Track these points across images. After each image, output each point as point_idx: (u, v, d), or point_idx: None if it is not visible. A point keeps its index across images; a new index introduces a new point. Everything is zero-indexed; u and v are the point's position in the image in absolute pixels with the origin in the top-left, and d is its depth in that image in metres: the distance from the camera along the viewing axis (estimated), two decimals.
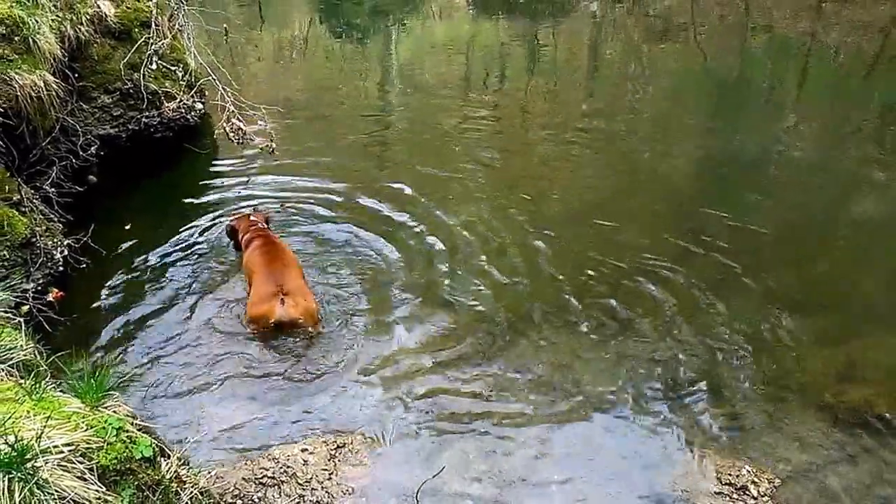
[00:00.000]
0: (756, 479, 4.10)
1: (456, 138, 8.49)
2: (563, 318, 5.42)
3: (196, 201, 7.03)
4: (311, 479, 4.04)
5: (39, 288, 5.18)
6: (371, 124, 9.09)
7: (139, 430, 2.98)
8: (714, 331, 5.27)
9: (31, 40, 5.68)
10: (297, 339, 5.09)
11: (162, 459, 2.97)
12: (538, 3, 15.16)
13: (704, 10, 14.80)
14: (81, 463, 2.51)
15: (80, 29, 6.45)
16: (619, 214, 6.75)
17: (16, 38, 5.60)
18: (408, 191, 7.16)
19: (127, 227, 6.46)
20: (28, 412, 2.65)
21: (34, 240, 5.26)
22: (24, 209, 5.40)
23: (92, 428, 2.69)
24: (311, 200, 6.97)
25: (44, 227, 5.53)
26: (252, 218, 5.93)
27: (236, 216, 6.12)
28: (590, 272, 5.93)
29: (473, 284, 5.81)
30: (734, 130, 8.63)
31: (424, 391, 4.73)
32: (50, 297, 5.10)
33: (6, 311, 3.88)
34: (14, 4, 5.69)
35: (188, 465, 3.38)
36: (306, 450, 4.23)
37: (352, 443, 4.31)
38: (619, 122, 9.10)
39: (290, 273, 5.28)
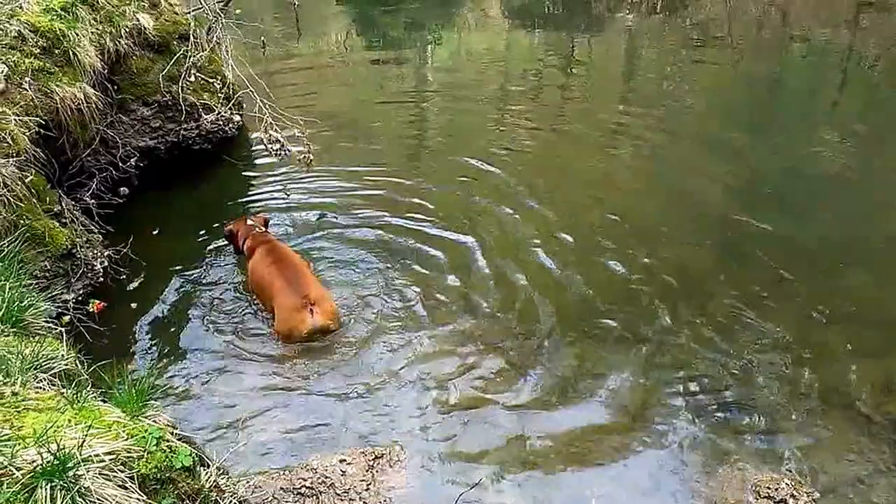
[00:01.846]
0: (795, 493, 3.99)
1: (491, 148, 8.44)
2: (598, 329, 5.34)
3: (234, 211, 7.03)
4: (349, 489, 4.00)
5: (80, 298, 5.23)
6: (407, 133, 9.11)
7: (179, 439, 2.96)
8: (752, 343, 5.16)
9: (71, 53, 5.75)
10: (335, 350, 5.07)
11: (201, 469, 2.95)
12: (573, 16, 15.11)
13: (741, 21, 14.68)
14: (122, 472, 2.50)
15: (119, 42, 6.53)
16: (655, 224, 6.67)
17: (56, 51, 5.68)
18: (443, 199, 7.15)
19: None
20: (70, 421, 2.65)
21: (75, 251, 5.30)
22: (64, 220, 5.45)
23: (132, 437, 2.68)
24: (347, 208, 6.97)
25: (84, 239, 5.59)
26: (250, 222, 5.91)
27: (234, 220, 6.09)
28: (625, 282, 5.85)
29: (509, 292, 5.75)
30: (772, 141, 8.49)
31: (461, 401, 4.68)
32: (91, 309, 5.14)
33: (48, 322, 3.90)
34: (55, 18, 5.77)
35: (227, 474, 3.36)
36: (344, 460, 4.20)
37: (389, 453, 4.27)
38: (654, 130, 9.01)
39: (308, 279, 5.29)
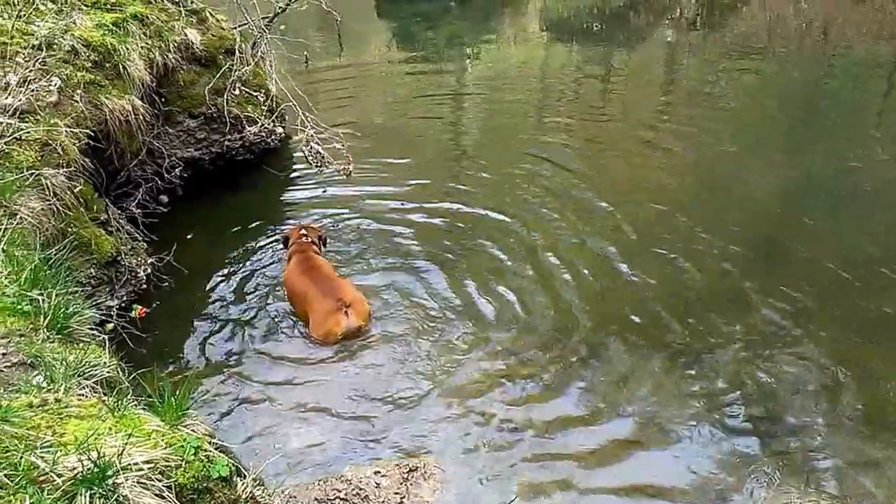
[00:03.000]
0: None
1: (530, 156, 8.45)
2: (638, 340, 5.29)
3: (275, 222, 7.14)
4: (383, 501, 4.01)
5: (123, 305, 5.32)
6: (446, 145, 9.17)
7: (216, 449, 2.99)
8: (796, 361, 5.05)
9: (121, 66, 5.90)
10: (371, 361, 5.11)
11: (238, 479, 2.97)
12: (612, 30, 15.09)
13: (782, 35, 14.52)
14: (160, 481, 2.52)
15: (167, 56, 6.68)
16: (696, 231, 6.62)
17: (107, 65, 5.83)
18: (482, 211, 7.17)
19: (189, 236, 6.64)
20: (110, 429, 2.68)
21: (119, 258, 5.41)
22: (110, 229, 5.57)
23: (171, 446, 2.70)
24: (386, 220, 7.03)
25: (129, 247, 5.70)
26: (302, 231, 6.02)
27: (293, 226, 6.26)
28: (666, 291, 5.80)
29: (547, 301, 5.74)
30: (817, 149, 8.38)
31: (497, 415, 4.65)
32: (133, 314, 5.22)
33: (92, 328, 3.97)
34: (107, 33, 5.91)
35: (263, 485, 3.39)
36: (379, 472, 4.21)
37: (424, 466, 4.27)
38: (695, 137, 8.96)
39: (341, 283, 5.52)
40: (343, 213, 7.24)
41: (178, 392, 3.09)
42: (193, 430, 2.97)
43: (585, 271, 6.10)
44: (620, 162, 8.20)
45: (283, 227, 6.70)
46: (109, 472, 2.41)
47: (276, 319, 5.62)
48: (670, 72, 12.60)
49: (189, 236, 6.67)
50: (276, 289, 5.98)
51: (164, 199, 6.94)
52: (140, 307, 5.31)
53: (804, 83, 11.55)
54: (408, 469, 4.24)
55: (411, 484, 4.15)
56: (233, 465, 2.96)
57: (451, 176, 8.09)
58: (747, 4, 17.21)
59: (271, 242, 6.67)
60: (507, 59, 13.63)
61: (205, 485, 2.70)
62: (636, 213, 7.01)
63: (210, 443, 2.98)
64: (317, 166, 7.17)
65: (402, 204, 7.26)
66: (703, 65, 12.79)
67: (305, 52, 9.58)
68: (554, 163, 8.23)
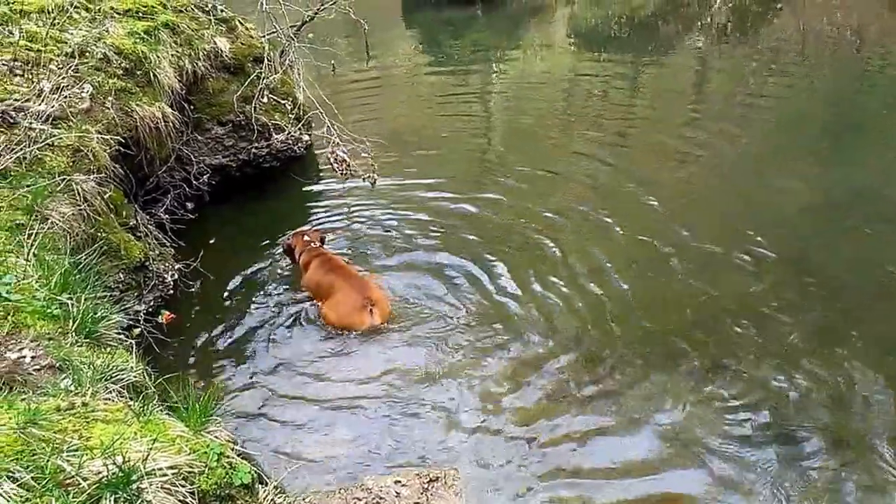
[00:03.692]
0: None
1: (558, 167, 8.41)
2: (664, 355, 5.22)
3: (299, 227, 7.14)
4: None
5: (150, 310, 5.37)
6: (472, 152, 9.17)
7: (238, 455, 3.01)
8: (829, 377, 4.94)
9: (152, 74, 5.98)
10: (393, 370, 5.11)
11: (260, 486, 3.00)
12: (641, 39, 14.98)
13: (816, 42, 14.37)
14: (183, 486, 2.54)
15: (197, 64, 6.77)
16: (726, 244, 6.53)
17: (138, 72, 5.90)
18: (509, 220, 7.16)
19: (211, 241, 6.73)
20: (135, 434, 2.71)
21: (147, 263, 5.47)
22: (139, 234, 5.64)
23: (195, 452, 2.72)
24: (411, 227, 7.05)
25: (157, 252, 5.76)
26: (306, 238, 6.20)
27: (293, 234, 6.37)
28: (695, 305, 5.74)
29: (573, 313, 5.70)
30: (849, 165, 8.20)
31: (521, 428, 4.63)
32: (162, 320, 5.28)
33: (119, 333, 4.01)
34: (138, 41, 6.00)
35: (284, 492, 3.41)
36: (399, 481, 4.20)
37: (445, 477, 4.25)
38: (724, 147, 8.88)
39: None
40: (369, 217, 7.31)
41: (202, 398, 3.12)
42: (217, 437, 3.00)
43: (613, 283, 6.06)
44: (645, 175, 8.09)
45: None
46: (134, 477, 2.43)
47: (301, 327, 5.65)
48: (699, 81, 12.48)
49: (212, 241, 6.77)
50: (299, 297, 6.01)
51: (190, 205, 7.00)
52: (168, 313, 5.38)
53: (838, 93, 11.37)
54: (428, 479, 4.23)
55: (431, 494, 4.15)
56: (255, 472, 2.98)
57: (478, 184, 8.07)
58: (779, 13, 17.05)
59: None
60: (533, 67, 13.58)
61: (227, 491, 2.72)
62: (666, 221, 6.96)
63: (233, 449, 3.01)
64: (341, 174, 7.21)
65: (394, 233, 7.08)
66: (734, 74, 12.61)
67: (333, 61, 9.63)
68: (581, 170, 8.23)
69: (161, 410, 3.06)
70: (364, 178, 7.17)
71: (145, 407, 2.92)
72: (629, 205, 7.38)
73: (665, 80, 12.46)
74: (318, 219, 7.40)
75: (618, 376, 5.05)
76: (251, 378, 5.12)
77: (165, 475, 2.53)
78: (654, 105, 10.63)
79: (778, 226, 6.88)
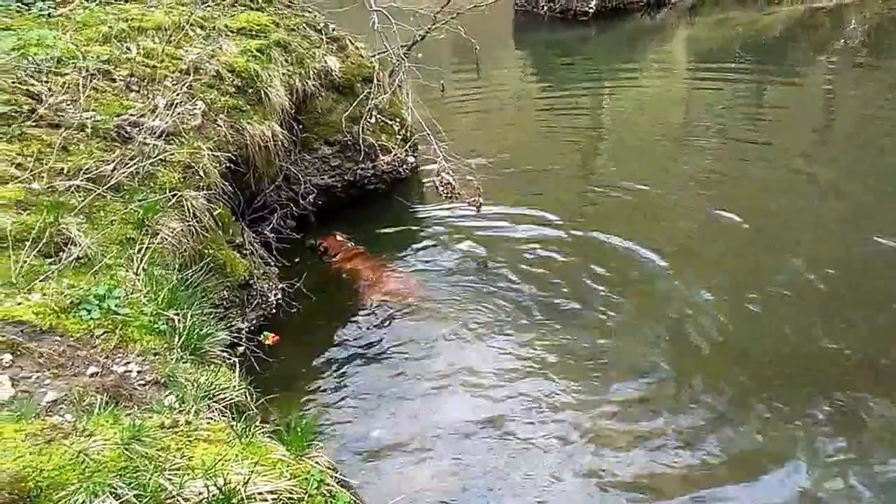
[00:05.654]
0: None
1: (669, 194, 8.10)
2: (782, 401, 4.85)
3: (402, 251, 7.11)
4: None
5: (252, 328, 5.36)
6: (580, 179, 8.91)
7: (337, 483, 2.90)
8: None
9: (263, 92, 6.01)
10: (496, 399, 4.95)
11: None
12: (765, 63, 14.20)
13: None
14: None
15: (307, 82, 6.81)
16: (849, 284, 6.13)
17: (250, 90, 5.96)
18: (620, 249, 6.88)
19: (296, 261, 6.68)
20: (237, 455, 2.64)
21: (252, 282, 5.47)
22: (245, 252, 5.65)
23: (295, 478, 2.63)
24: (516, 255, 6.84)
25: (261, 271, 5.76)
26: (339, 238, 6.95)
27: (327, 237, 6.99)
28: (818, 348, 5.36)
29: (685, 350, 5.42)
30: None
31: (628, 473, 4.36)
32: (267, 341, 5.26)
33: (222, 350, 3.98)
34: (251, 59, 6.05)
35: None
36: None
37: None
38: (851, 182, 8.24)
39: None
40: (472, 244, 7.14)
41: (305, 422, 3.01)
42: (317, 462, 2.89)
43: (727, 321, 5.70)
44: (763, 207, 7.62)
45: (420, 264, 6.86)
46: (234, 501, 2.36)
47: (404, 352, 5.53)
48: (827, 107, 11.80)
49: (296, 261, 6.74)
50: (403, 317, 5.94)
51: (292, 223, 7.02)
52: (272, 334, 5.35)
53: None
54: None
55: None
56: (354, 501, 2.86)
57: (584, 212, 7.82)
58: None
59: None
60: (649, 88, 13.14)
61: None
62: (787, 257, 6.56)
63: (332, 476, 2.90)
64: (447, 198, 7.10)
65: (492, 264, 6.88)
66: (866, 101, 11.80)
67: (442, 81, 9.58)
68: (687, 207, 7.84)
69: (262, 432, 2.98)
70: (469, 203, 7.03)
71: (247, 428, 2.84)
72: (745, 238, 7.01)
73: (790, 106, 11.77)
74: (419, 242, 7.29)
75: (733, 421, 4.74)
76: (351, 402, 5.03)
77: (265, 500, 2.45)
78: (777, 132, 10.05)
79: None
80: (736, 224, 7.28)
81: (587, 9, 17.47)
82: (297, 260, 6.78)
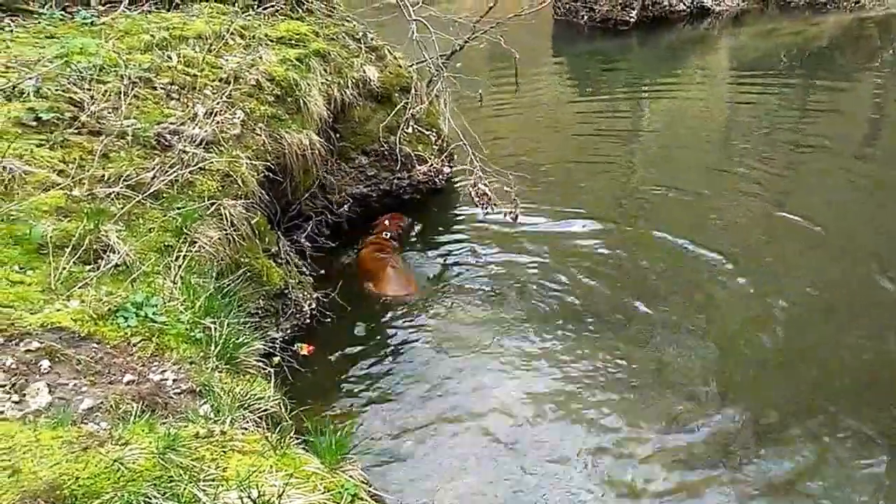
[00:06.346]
0: None
1: (711, 209, 7.94)
2: (833, 426, 4.70)
3: (436, 263, 7.06)
4: None
5: (286, 338, 5.35)
6: (621, 189, 8.75)
7: (371, 497, 2.87)
8: None
9: (301, 102, 6.03)
10: (533, 416, 4.88)
11: None
12: (811, 71, 13.90)
13: None
14: None
15: (345, 92, 6.81)
16: None
17: (289, 100, 5.97)
18: (680, 250, 6.84)
19: (322, 272, 6.60)
20: (271, 467, 2.62)
21: (287, 291, 5.46)
22: (280, 261, 5.65)
23: (329, 491, 2.60)
24: (552, 270, 6.74)
25: (296, 280, 5.75)
26: (386, 223, 7.12)
27: (380, 219, 7.21)
28: (873, 370, 5.20)
29: (730, 369, 5.29)
30: None
31: (663, 490, 4.28)
32: (303, 351, 5.25)
33: (258, 360, 3.96)
34: (290, 68, 6.08)
35: None
36: None
37: None
38: None
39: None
40: (510, 255, 7.07)
41: (339, 434, 2.98)
42: (351, 476, 2.87)
43: (776, 341, 5.57)
44: (817, 212, 7.44)
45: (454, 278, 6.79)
46: None
47: (440, 365, 5.47)
48: (878, 111, 11.51)
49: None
50: (441, 329, 5.89)
51: (326, 231, 7.04)
52: (307, 345, 5.34)
53: None
54: None
55: None
56: None
57: (625, 223, 7.67)
58: None
59: (439, 285, 6.63)
60: (691, 97, 12.90)
61: None
62: (858, 264, 6.43)
63: (366, 490, 2.86)
64: (483, 208, 7.06)
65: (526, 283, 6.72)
66: None
67: (480, 91, 9.53)
68: (731, 221, 7.67)
69: (297, 444, 2.96)
70: (505, 214, 6.98)
71: (282, 439, 2.82)
72: (811, 243, 6.87)
73: (838, 111, 11.53)
74: (454, 252, 7.22)
75: (777, 447, 4.60)
76: (385, 416, 4.97)
77: None
78: (827, 136, 9.79)
79: None
80: (802, 227, 7.15)
81: (628, 18, 17.18)
82: (330, 267, 6.76)
